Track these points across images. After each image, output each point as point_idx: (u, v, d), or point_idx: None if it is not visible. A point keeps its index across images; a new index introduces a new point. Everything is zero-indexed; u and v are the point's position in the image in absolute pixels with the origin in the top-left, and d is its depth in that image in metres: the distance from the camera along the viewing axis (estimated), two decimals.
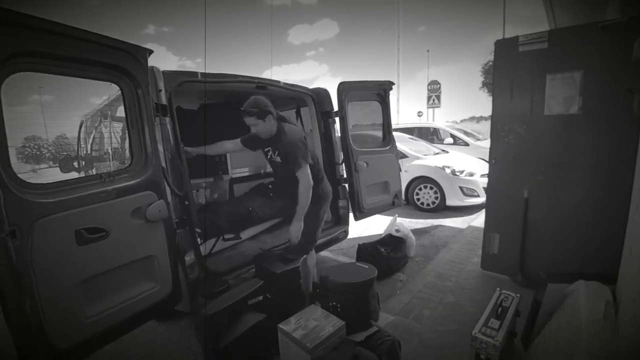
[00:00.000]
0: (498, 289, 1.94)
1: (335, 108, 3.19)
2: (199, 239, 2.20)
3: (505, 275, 2.84)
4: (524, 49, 2.55)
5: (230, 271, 2.38)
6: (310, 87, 3.26)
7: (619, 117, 2.20)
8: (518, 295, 1.88)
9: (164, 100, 1.98)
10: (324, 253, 3.48)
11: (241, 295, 1.90)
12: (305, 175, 2.30)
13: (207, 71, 2.31)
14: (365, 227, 4.64)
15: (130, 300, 1.69)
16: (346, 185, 3.29)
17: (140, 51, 1.73)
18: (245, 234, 3.12)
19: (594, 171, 2.38)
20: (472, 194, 5.25)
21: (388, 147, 3.60)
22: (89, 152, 2.76)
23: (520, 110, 2.64)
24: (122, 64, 1.68)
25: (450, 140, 7.89)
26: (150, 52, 1.78)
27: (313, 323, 1.85)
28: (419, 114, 17.25)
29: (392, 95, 3.65)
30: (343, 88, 3.11)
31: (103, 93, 1.96)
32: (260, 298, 1.99)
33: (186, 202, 2.06)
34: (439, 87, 15.63)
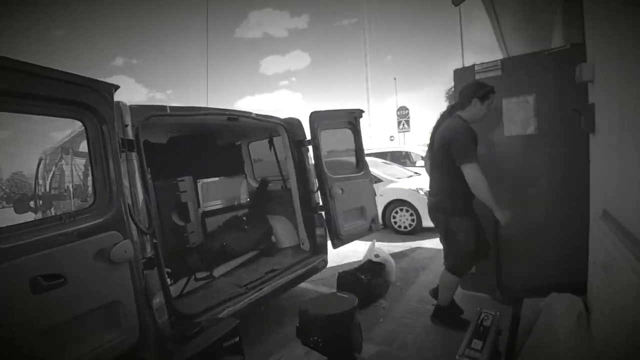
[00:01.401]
0: (479, 308, 1.94)
1: (308, 137, 3.23)
2: (168, 279, 2.08)
3: (485, 294, 2.86)
4: (480, 76, 2.74)
5: (203, 312, 2.24)
6: (284, 115, 3.31)
7: (570, 134, 2.36)
8: (498, 313, 1.89)
9: (130, 135, 1.93)
10: (303, 284, 3.37)
11: (216, 337, 1.78)
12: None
13: (176, 104, 2.30)
14: (345, 255, 4.58)
15: (93, 351, 1.54)
16: (322, 213, 3.28)
17: (105, 87, 1.70)
18: (218, 271, 2.99)
19: (555, 186, 2.52)
20: None
21: (362, 173, 3.65)
22: (47, 190, 2.60)
23: (482, 132, 2.78)
24: (86, 100, 1.63)
25: (422, 162, 8.16)
26: (117, 87, 1.75)
27: None
28: (391, 138, 17.82)
29: (364, 122, 3.76)
30: (315, 117, 3.17)
31: (64, 128, 1.89)
32: (237, 339, 1.87)
33: (154, 240, 1.97)
34: (408, 113, 16.31)
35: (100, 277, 1.58)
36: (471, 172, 2.14)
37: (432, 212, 2.51)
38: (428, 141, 2.61)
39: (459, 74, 2.90)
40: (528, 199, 2.62)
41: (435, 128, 2.49)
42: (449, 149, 2.23)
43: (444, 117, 2.48)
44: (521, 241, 2.66)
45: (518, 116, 2.61)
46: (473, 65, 2.79)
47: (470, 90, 2.35)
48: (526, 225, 2.62)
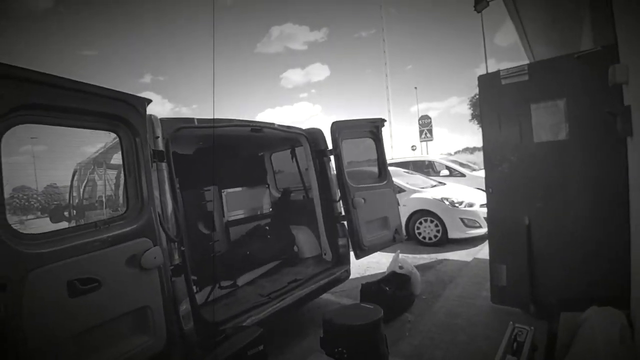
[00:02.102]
0: (511, 322, 1.85)
1: (330, 146, 3.25)
2: (194, 287, 2.12)
3: (517, 308, 2.72)
4: (506, 81, 2.67)
5: (228, 320, 2.26)
6: (304, 127, 3.35)
7: (605, 138, 2.25)
8: (532, 327, 1.79)
9: (161, 146, 2.02)
10: (325, 296, 3.34)
11: (240, 345, 1.79)
12: None
13: (202, 117, 2.38)
14: (367, 266, 4.51)
15: (123, 354, 1.58)
16: (345, 222, 3.25)
17: (139, 101, 1.80)
18: (242, 280, 3.01)
19: (591, 193, 2.38)
20: (473, 225, 5.18)
21: (384, 182, 3.61)
22: (80, 200, 2.74)
23: (510, 139, 2.70)
24: (121, 113, 1.73)
25: (446, 172, 7.97)
26: (149, 101, 1.85)
27: None
28: (413, 148, 17.59)
29: (385, 131, 3.74)
30: (336, 127, 3.19)
31: (96, 142, 1.99)
32: (261, 348, 1.87)
33: (182, 248, 2.02)
34: (430, 122, 16.10)
35: (131, 282, 1.63)
36: None
37: None
38: None
39: (483, 80, 2.85)
40: (562, 207, 2.49)
41: None
42: None
43: None
44: (556, 251, 2.53)
45: (548, 122, 2.52)
46: (498, 71, 2.73)
47: None
48: (562, 234, 2.49)
